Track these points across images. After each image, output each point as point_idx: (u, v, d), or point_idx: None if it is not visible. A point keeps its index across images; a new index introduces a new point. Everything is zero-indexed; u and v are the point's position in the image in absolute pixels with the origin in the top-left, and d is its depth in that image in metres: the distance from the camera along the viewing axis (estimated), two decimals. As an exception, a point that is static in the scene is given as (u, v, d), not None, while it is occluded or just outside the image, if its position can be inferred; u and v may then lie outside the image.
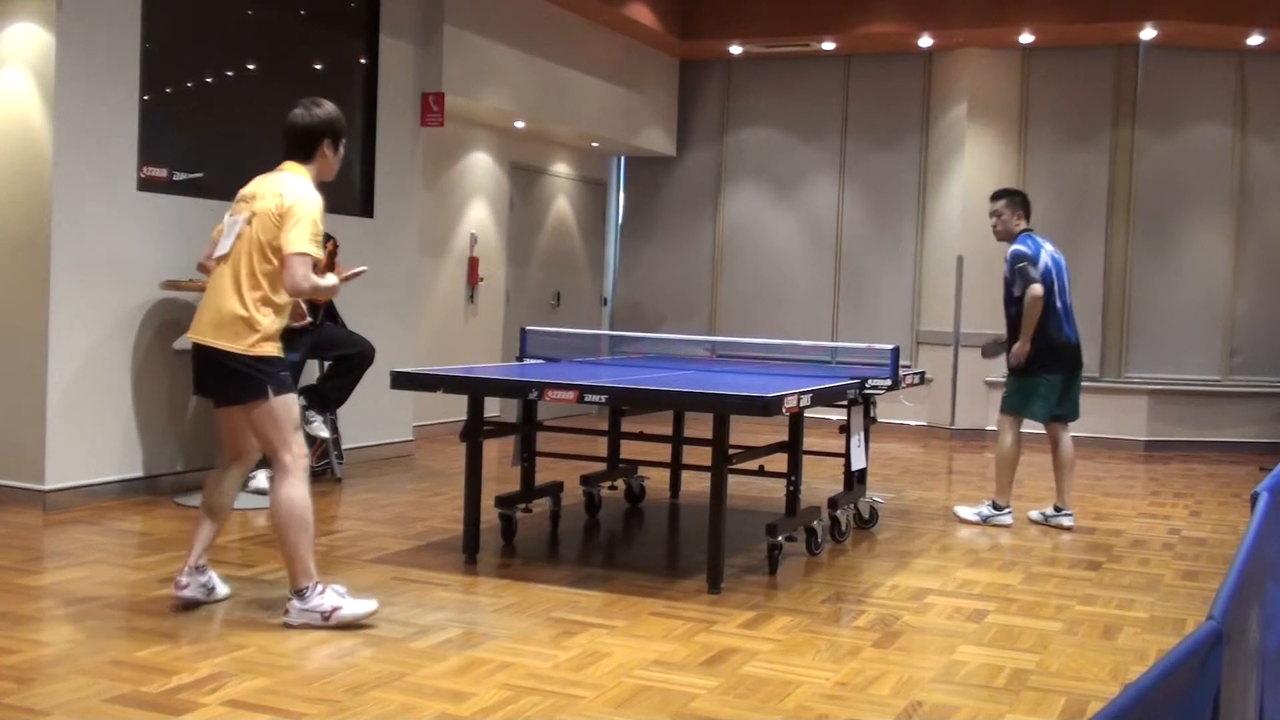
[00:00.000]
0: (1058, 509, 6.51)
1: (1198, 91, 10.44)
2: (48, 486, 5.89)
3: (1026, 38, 10.24)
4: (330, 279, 4.30)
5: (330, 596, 4.10)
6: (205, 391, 4.31)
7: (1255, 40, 9.96)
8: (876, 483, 7.03)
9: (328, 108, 4.29)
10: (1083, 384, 6.67)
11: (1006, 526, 6.44)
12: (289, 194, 4.09)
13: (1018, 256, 6.40)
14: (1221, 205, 10.45)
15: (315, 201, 4.12)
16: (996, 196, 6.70)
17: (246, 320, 4.05)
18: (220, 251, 4.19)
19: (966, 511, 6.62)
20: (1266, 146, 10.41)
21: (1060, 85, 10.58)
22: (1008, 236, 6.55)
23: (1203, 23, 9.71)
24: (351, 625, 4.07)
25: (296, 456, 4.12)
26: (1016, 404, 6.49)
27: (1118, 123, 10.51)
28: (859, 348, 6.71)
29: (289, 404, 4.15)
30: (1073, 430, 6.60)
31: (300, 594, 4.07)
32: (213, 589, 4.35)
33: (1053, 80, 10.59)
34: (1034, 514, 6.65)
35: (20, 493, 5.91)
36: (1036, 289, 6.29)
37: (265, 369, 4.07)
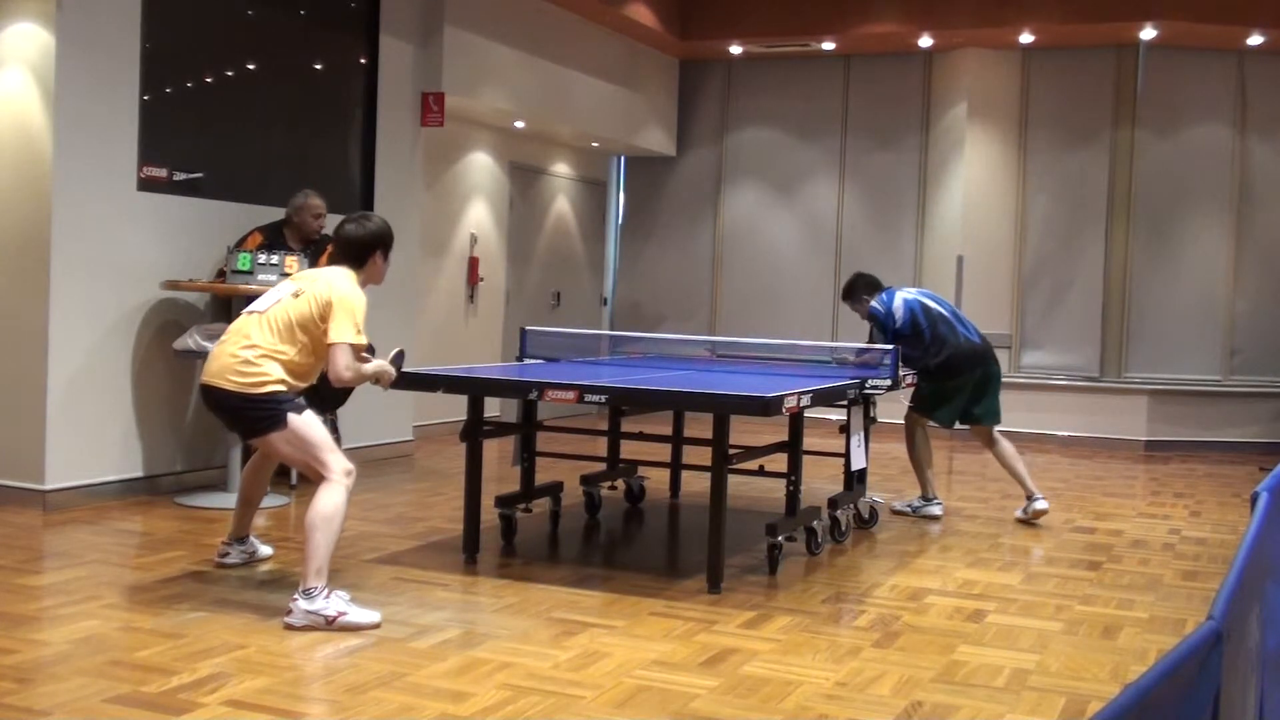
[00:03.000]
0: (1030, 498, 6.64)
1: (1198, 91, 10.44)
2: (48, 486, 5.89)
3: (1026, 38, 10.24)
4: (372, 365, 4.55)
5: (336, 602, 4.12)
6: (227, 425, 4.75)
7: (1255, 40, 9.96)
8: (876, 483, 7.03)
9: (378, 222, 4.61)
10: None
11: (937, 517, 6.64)
12: (338, 287, 4.37)
13: (872, 316, 6.71)
14: (1221, 205, 10.45)
15: (361, 300, 4.41)
16: (846, 296, 6.97)
17: (257, 370, 4.32)
18: (257, 306, 4.49)
19: (899, 504, 6.83)
20: (1266, 146, 10.41)
21: (1060, 85, 10.58)
22: (870, 319, 6.78)
23: (1203, 23, 9.71)
24: (353, 632, 4.06)
25: (338, 473, 4.31)
26: (926, 406, 6.75)
27: (1118, 123, 10.51)
28: (859, 348, 6.72)
29: (309, 423, 4.35)
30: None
31: (308, 593, 4.10)
32: (254, 552, 4.96)
33: (1053, 80, 10.59)
34: (900, 504, 6.85)
35: (20, 493, 5.91)
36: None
37: (274, 402, 4.32)
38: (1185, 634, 2.73)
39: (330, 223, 6.92)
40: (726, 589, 4.78)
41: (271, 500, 6.28)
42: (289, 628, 4.06)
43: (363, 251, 4.51)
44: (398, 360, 4.73)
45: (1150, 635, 4.42)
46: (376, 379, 4.58)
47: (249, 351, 4.31)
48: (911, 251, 11.01)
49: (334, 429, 7.10)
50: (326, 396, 6.93)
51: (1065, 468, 8.94)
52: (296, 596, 4.12)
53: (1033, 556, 5.76)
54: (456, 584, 4.82)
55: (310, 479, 4.43)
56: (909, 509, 6.76)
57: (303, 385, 4.45)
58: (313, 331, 4.33)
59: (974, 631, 4.39)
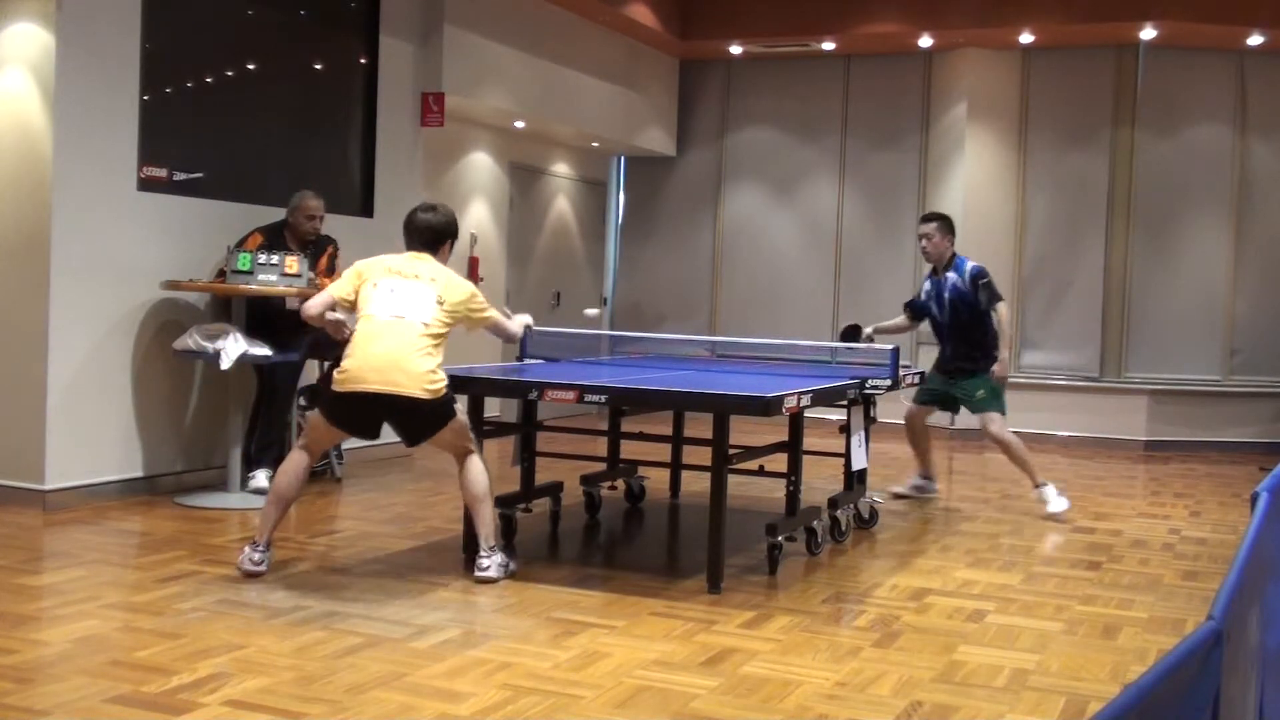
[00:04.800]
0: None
1: (1198, 91, 10.44)
2: (48, 486, 5.89)
3: (1026, 38, 10.24)
4: (520, 319, 5.37)
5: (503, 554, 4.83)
6: (391, 430, 4.87)
7: (1255, 40, 9.96)
8: (876, 483, 7.03)
9: (449, 212, 5.14)
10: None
11: (1062, 511, 6.70)
12: (450, 273, 4.99)
13: (982, 273, 6.81)
14: (1221, 205, 10.45)
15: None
16: (928, 219, 7.03)
17: (440, 378, 4.72)
18: (379, 311, 4.72)
19: (900, 488, 7.06)
20: (1266, 146, 10.41)
21: (1060, 85, 10.58)
22: (939, 259, 6.91)
23: (1203, 23, 9.71)
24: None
25: (474, 445, 4.90)
26: (1002, 404, 6.86)
27: (1118, 123, 10.51)
28: (859, 348, 6.72)
29: (463, 412, 4.88)
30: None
31: (493, 549, 4.78)
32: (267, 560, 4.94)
33: (1053, 80, 10.59)
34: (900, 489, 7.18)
35: (20, 493, 5.91)
36: (1003, 305, 6.82)
37: (449, 403, 4.80)
38: (1185, 634, 2.73)
39: (330, 223, 6.92)
40: (726, 589, 4.78)
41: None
42: (485, 581, 4.70)
43: (440, 238, 4.98)
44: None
45: (1150, 635, 4.42)
46: (528, 328, 5.41)
47: (430, 359, 4.68)
48: (912, 251, 10.99)
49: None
50: (326, 396, 6.95)
51: (1065, 468, 8.94)
52: (485, 553, 4.75)
53: (1033, 556, 5.76)
54: (456, 584, 4.82)
55: (453, 455, 4.87)
56: (913, 491, 6.96)
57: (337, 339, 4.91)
58: (448, 331, 4.83)
59: (974, 631, 4.39)
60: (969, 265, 6.82)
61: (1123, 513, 7.08)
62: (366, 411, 4.70)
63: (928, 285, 7.00)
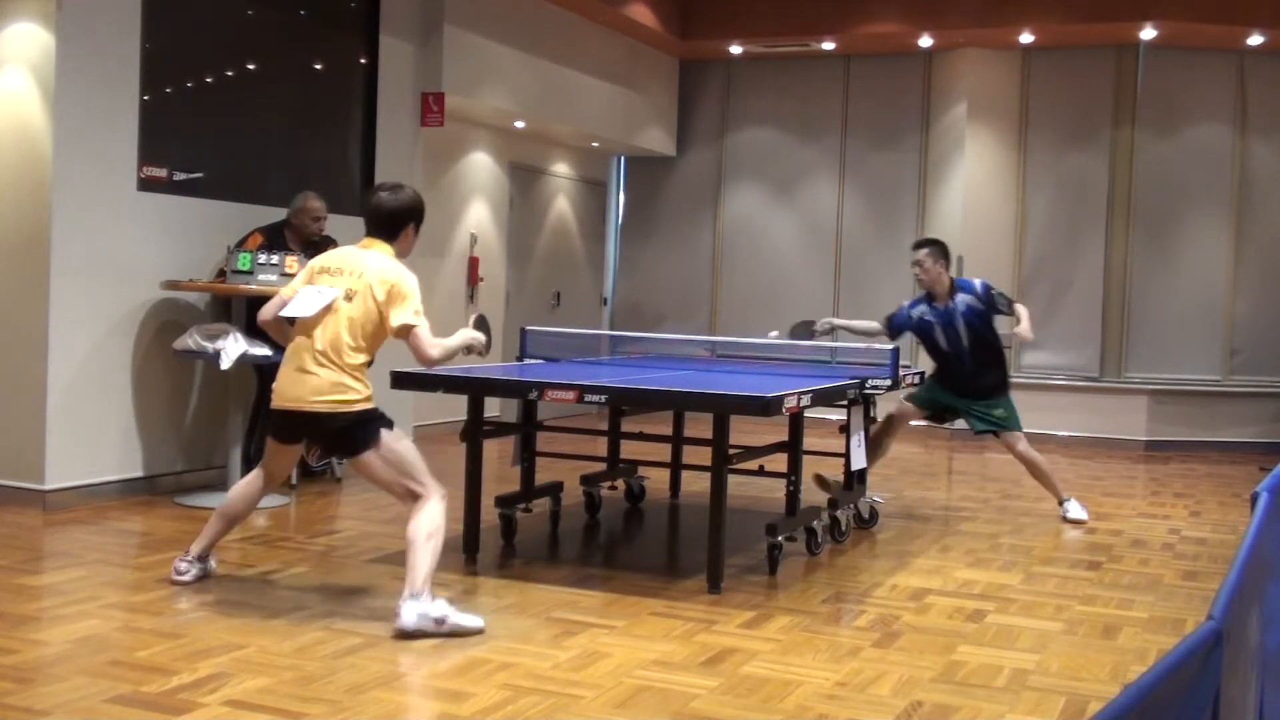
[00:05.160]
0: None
1: (1198, 91, 10.44)
2: (48, 486, 5.89)
3: (1026, 38, 10.24)
4: (457, 338, 4.43)
5: (442, 605, 4.04)
6: (307, 444, 4.42)
7: (1255, 40, 9.96)
8: (876, 483, 7.03)
9: (411, 192, 4.46)
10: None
11: (1082, 520, 6.66)
12: (390, 272, 4.27)
13: (990, 284, 6.71)
14: (1221, 205, 10.45)
15: (414, 279, 4.33)
16: (920, 245, 6.77)
17: (347, 387, 4.20)
18: (300, 313, 4.26)
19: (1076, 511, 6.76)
20: (1266, 146, 10.41)
21: (1060, 85, 10.58)
22: (933, 285, 6.64)
23: (1203, 23, 9.71)
24: (460, 636, 3.99)
25: (436, 494, 4.25)
26: (1019, 421, 6.76)
27: (1118, 123, 10.51)
28: (859, 348, 6.72)
29: (401, 440, 4.30)
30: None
31: (415, 596, 4.01)
32: (209, 571, 4.69)
33: (1053, 80, 10.59)
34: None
35: (20, 493, 5.90)
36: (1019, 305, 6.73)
37: (369, 422, 4.23)
38: (1185, 634, 2.73)
39: (330, 223, 6.92)
40: (726, 589, 4.78)
41: (271, 500, 6.28)
42: (400, 634, 3.95)
43: (397, 221, 4.38)
44: (481, 325, 4.62)
45: (1150, 635, 4.42)
46: (469, 349, 4.47)
47: (331, 368, 4.18)
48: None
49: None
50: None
51: (1065, 468, 8.93)
52: (405, 599, 4.00)
53: (1033, 556, 5.75)
54: (456, 584, 4.82)
55: (397, 498, 4.31)
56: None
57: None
58: (373, 330, 4.24)
59: (974, 631, 4.39)
60: (977, 283, 6.68)
61: (1123, 513, 7.08)
62: (288, 428, 4.32)
63: (927, 314, 6.65)
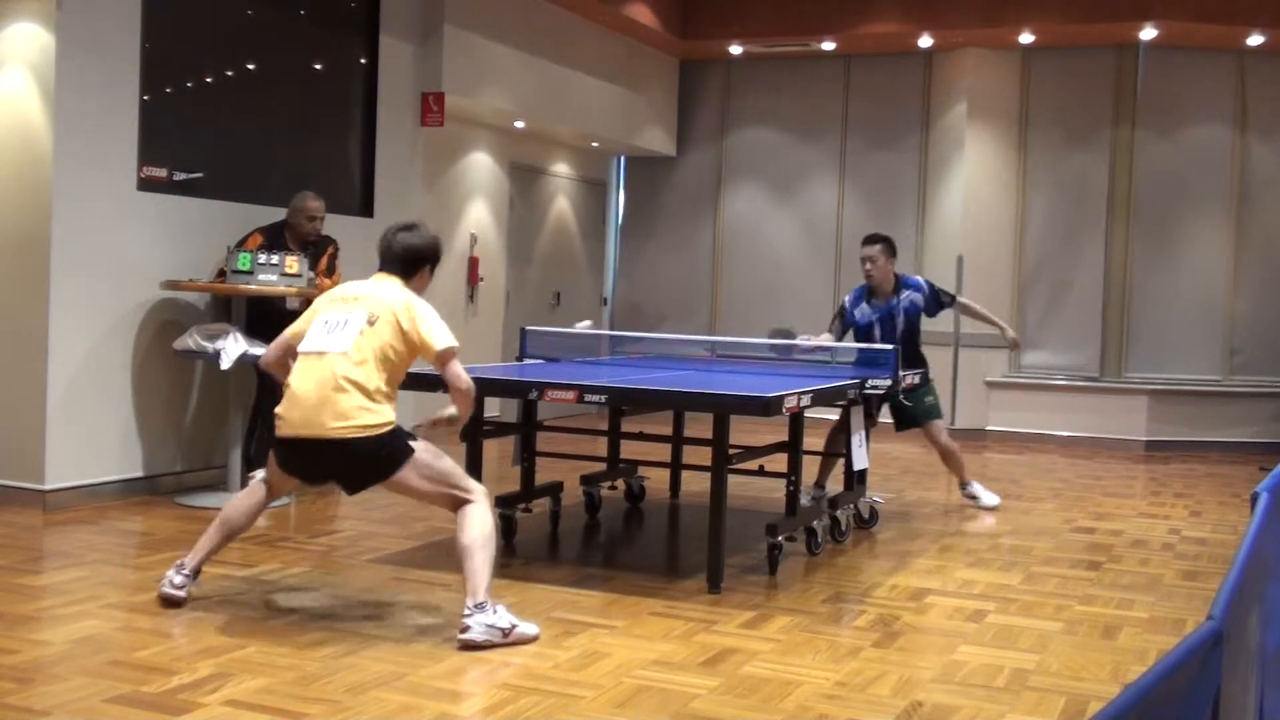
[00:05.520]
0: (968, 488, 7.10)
1: (1198, 91, 10.44)
2: (48, 486, 5.89)
3: (1026, 38, 10.24)
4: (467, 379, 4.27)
5: (505, 615, 3.99)
6: (330, 479, 4.36)
7: (1255, 40, 9.96)
8: (876, 483, 7.03)
9: (431, 233, 4.43)
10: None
11: (994, 504, 6.93)
12: (407, 297, 4.21)
13: (928, 282, 6.90)
14: (1221, 205, 10.45)
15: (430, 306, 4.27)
16: (872, 241, 6.84)
17: (373, 410, 4.07)
18: (331, 347, 4.12)
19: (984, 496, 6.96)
20: (1266, 146, 10.41)
21: (1060, 85, 10.58)
22: (883, 282, 6.76)
23: (1203, 23, 9.71)
24: (522, 644, 3.95)
25: (478, 494, 4.17)
26: (941, 409, 7.01)
27: (1118, 123, 10.50)
28: (859, 348, 6.72)
29: (434, 450, 4.18)
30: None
31: (481, 607, 3.94)
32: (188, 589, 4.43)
33: (1053, 80, 10.59)
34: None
35: (20, 493, 5.90)
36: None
37: (396, 440, 4.11)
38: (1185, 634, 2.73)
39: (330, 223, 6.92)
40: (726, 589, 4.78)
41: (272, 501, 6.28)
42: (468, 646, 3.87)
43: (417, 261, 4.31)
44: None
45: (1150, 635, 4.41)
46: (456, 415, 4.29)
47: (359, 393, 4.03)
48: (911, 251, 11.01)
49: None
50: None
51: (1065, 468, 8.93)
52: (470, 611, 3.92)
53: (1033, 556, 5.75)
54: (456, 584, 4.80)
55: (444, 508, 4.22)
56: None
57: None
58: (395, 359, 4.13)
59: (974, 631, 4.39)
60: (922, 280, 6.90)
61: (1123, 513, 7.08)
62: (303, 460, 4.18)
63: (869, 312, 6.76)
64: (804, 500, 6.56)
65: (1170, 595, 5.05)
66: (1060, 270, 10.66)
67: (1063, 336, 10.60)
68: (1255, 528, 2.05)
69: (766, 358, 7.34)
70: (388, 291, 4.22)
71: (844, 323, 6.89)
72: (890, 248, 6.80)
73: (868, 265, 6.74)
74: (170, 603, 4.26)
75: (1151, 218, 10.51)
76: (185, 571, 4.32)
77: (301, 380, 4.12)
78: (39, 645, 3.84)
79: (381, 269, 4.33)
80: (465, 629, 3.90)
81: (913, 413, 6.82)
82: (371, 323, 4.11)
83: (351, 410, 4.01)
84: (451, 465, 4.19)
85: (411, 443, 4.13)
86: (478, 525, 4.07)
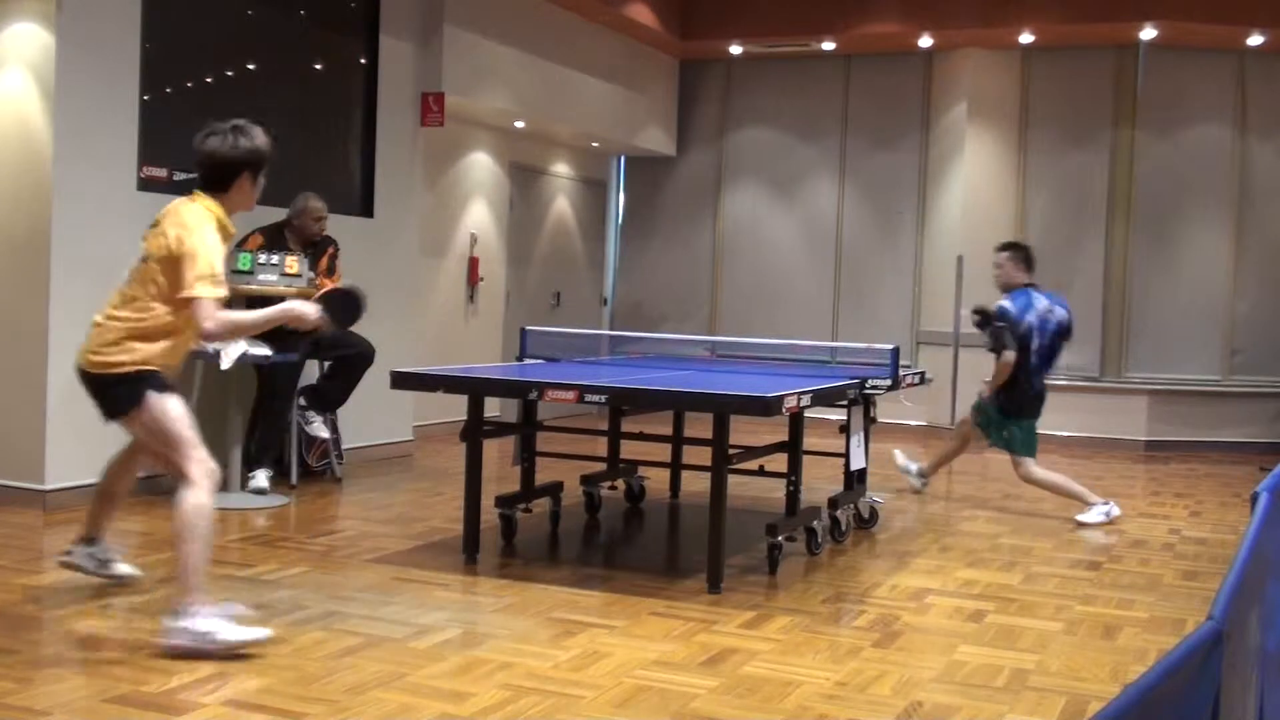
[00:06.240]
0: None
1: (1198, 91, 10.44)
2: (48, 486, 5.89)
3: (1026, 38, 10.24)
4: (252, 315, 4.06)
5: (216, 618, 3.72)
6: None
7: (1255, 40, 9.96)
8: (876, 483, 7.03)
9: (252, 136, 4.02)
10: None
11: (1114, 518, 6.73)
12: (188, 226, 3.88)
13: (1002, 314, 6.78)
14: (1221, 205, 10.45)
15: (213, 241, 3.90)
16: (1002, 249, 7.07)
17: (123, 349, 3.90)
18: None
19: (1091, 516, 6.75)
20: (1266, 146, 10.41)
21: (1060, 85, 10.58)
22: (1007, 289, 6.91)
23: (1203, 23, 9.71)
24: (241, 649, 3.71)
25: (199, 474, 3.88)
26: (1032, 446, 6.85)
27: (1118, 123, 10.50)
28: (859, 348, 6.72)
29: (169, 411, 3.91)
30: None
31: (188, 612, 3.69)
32: (108, 561, 4.46)
33: (1053, 80, 10.59)
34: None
35: (20, 493, 5.90)
36: (1009, 355, 6.70)
37: (134, 384, 3.89)
38: (1185, 634, 2.73)
39: (330, 223, 6.92)
40: (726, 589, 4.78)
41: (271, 500, 6.29)
42: (172, 654, 3.65)
43: (228, 172, 3.95)
44: (330, 301, 4.13)
45: (1150, 635, 4.42)
46: (286, 320, 4.04)
47: (112, 330, 3.88)
48: (911, 251, 11.01)
49: (334, 429, 7.12)
50: (327, 396, 6.96)
51: (1065, 468, 8.92)
52: (175, 616, 3.69)
53: (1033, 556, 5.75)
54: (456, 584, 4.82)
55: (170, 474, 4.00)
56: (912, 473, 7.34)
57: (171, 361, 3.98)
58: (165, 279, 3.84)
59: (974, 631, 4.39)
60: (999, 301, 6.85)
61: (1123, 512, 7.07)
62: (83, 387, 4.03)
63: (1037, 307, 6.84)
64: (917, 485, 7.20)
65: (1170, 595, 5.05)
66: (1060, 270, 10.62)
67: (1063, 336, 10.59)
68: (1255, 528, 2.05)
69: (767, 357, 7.35)
70: (184, 215, 3.90)
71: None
72: (1018, 255, 6.94)
73: (995, 270, 7.00)
74: (67, 566, 4.39)
75: (1151, 218, 10.51)
76: (77, 540, 4.39)
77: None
78: (39, 645, 3.84)
79: (198, 184, 4.03)
80: (168, 632, 3.70)
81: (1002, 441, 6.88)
82: (144, 258, 3.93)
83: (102, 347, 3.88)
84: (181, 432, 3.90)
85: (152, 393, 3.88)
86: (187, 513, 3.77)
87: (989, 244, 10.62)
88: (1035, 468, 6.79)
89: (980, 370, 10.30)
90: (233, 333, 3.96)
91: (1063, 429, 10.28)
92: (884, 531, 6.25)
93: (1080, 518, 6.67)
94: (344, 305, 4.17)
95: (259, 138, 4.04)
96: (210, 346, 6.01)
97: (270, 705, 3.34)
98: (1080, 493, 6.76)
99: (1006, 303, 6.78)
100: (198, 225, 3.88)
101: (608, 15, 9.91)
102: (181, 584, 3.75)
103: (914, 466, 7.43)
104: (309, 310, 4.07)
